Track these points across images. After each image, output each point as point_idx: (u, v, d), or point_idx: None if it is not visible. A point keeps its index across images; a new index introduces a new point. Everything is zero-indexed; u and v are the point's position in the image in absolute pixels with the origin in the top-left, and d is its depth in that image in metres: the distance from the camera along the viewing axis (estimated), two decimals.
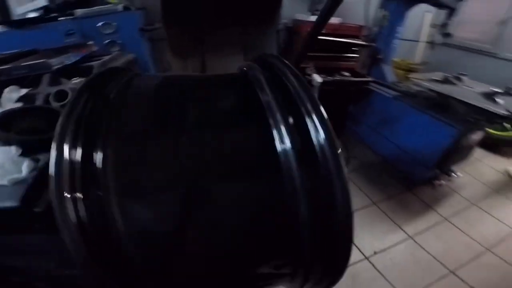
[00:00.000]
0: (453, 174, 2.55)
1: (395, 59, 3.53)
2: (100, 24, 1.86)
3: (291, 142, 0.40)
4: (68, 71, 1.02)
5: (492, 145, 3.22)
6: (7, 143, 0.63)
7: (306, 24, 2.83)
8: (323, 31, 2.80)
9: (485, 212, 2.40)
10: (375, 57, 2.84)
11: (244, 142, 0.44)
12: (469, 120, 2.23)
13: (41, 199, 0.54)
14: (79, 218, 0.34)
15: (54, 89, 0.83)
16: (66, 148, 0.37)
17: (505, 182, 2.82)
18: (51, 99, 0.82)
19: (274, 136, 0.40)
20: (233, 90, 0.54)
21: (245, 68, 0.55)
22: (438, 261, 1.90)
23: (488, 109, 2.15)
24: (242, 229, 0.41)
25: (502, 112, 2.10)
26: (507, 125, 3.10)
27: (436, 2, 2.51)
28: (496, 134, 3.18)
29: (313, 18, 2.97)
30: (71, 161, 0.36)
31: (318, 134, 0.40)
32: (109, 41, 1.90)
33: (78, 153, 0.37)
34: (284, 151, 0.39)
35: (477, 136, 2.50)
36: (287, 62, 0.51)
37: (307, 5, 3.17)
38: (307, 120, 0.41)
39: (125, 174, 0.39)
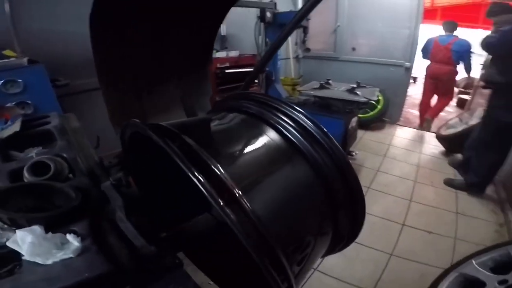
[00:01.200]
0: (353, 153, 3.31)
1: (282, 78, 4.26)
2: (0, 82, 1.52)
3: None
4: (12, 141, 0.90)
5: (364, 125, 4.28)
6: (14, 223, 0.61)
7: (217, 59, 3.22)
8: (228, 65, 3.23)
9: (385, 173, 3.20)
10: (269, 79, 3.41)
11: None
12: (347, 111, 2.97)
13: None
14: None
15: (28, 162, 0.77)
16: None
17: (386, 148, 3.82)
18: (26, 172, 0.76)
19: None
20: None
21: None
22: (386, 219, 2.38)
23: (355, 100, 2.94)
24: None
25: (363, 99, 2.93)
26: (367, 110, 4.23)
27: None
28: (364, 117, 4.26)
29: (222, 54, 3.37)
30: None
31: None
32: (18, 103, 1.56)
33: None
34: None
35: (354, 121, 3.33)
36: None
37: (218, 43, 3.56)
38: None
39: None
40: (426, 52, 4.21)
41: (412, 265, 1.92)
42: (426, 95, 4.43)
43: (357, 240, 0.75)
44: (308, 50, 4.55)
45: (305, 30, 3.51)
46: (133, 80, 1.24)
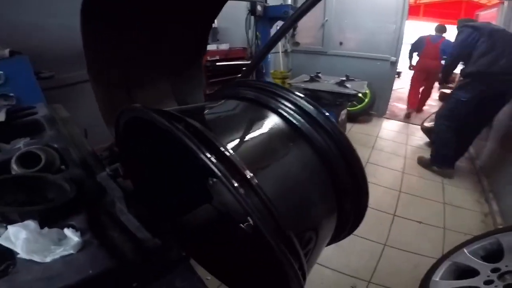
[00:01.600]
0: None
1: (272, 71, 4.22)
2: None
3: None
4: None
5: (351, 118, 4.33)
6: (5, 219, 0.55)
7: (207, 52, 3.11)
8: (218, 58, 3.15)
9: (375, 164, 3.24)
10: (259, 72, 3.37)
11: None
12: (337, 104, 2.99)
13: None
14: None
15: (15, 153, 0.69)
16: None
17: (374, 140, 3.88)
18: (14, 164, 0.69)
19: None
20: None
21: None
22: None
23: (345, 92, 2.96)
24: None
25: (353, 92, 2.95)
26: (355, 103, 4.27)
27: (286, 18, 3.29)
28: (352, 110, 4.31)
29: (213, 47, 3.27)
30: None
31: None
32: None
33: None
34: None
35: (344, 114, 3.36)
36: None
37: (210, 36, 3.43)
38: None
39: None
40: (417, 48, 4.69)
41: (406, 255, 1.96)
42: (415, 86, 4.83)
43: None
44: (297, 44, 4.57)
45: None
46: (123, 76, 1.17)
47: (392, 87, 4.75)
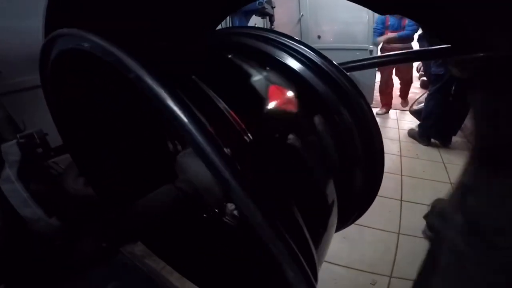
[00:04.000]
0: None
1: None
2: None
3: None
4: None
5: None
6: None
7: None
8: None
9: None
10: None
11: None
12: None
13: None
14: None
15: None
16: None
17: None
18: None
19: None
20: None
21: None
22: None
23: None
24: None
25: None
26: None
27: (262, 12, 3.12)
28: None
29: None
30: None
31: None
32: None
33: None
34: None
35: None
36: None
37: None
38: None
39: None
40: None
41: (425, 242, 1.71)
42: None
43: (356, 221, 0.64)
44: None
45: (271, 18, 3.37)
46: None
47: (375, 76, 4.68)
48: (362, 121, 0.49)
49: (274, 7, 3.27)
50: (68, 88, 0.47)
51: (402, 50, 3.72)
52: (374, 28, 4.21)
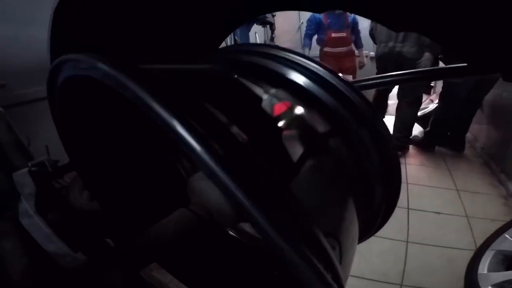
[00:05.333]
0: None
1: None
2: None
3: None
4: None
5: None
6: None
7: None
8: None
9: None
10: None
11: None
12: None
13: None
14: None
15: None
16: None
17: None
18: None
19: None
20: None
21: None
22: None
23: None
24: None
25: None
26: None
27: (263, 20, 3.15)
28: None
29: None
30: None
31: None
32: None
33: None
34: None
35: None
36: None
37: None
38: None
39: None
40: None
41: (434, 250, 1.70)
42: None
43: None
44: None
45: (272, 26, 3.40)
46: None
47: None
48: (380, 139, 0.49)
49: (275, 16, 3.30)
50: (76, 111, 0.46)
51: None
52: (306, 32, 3.83)
